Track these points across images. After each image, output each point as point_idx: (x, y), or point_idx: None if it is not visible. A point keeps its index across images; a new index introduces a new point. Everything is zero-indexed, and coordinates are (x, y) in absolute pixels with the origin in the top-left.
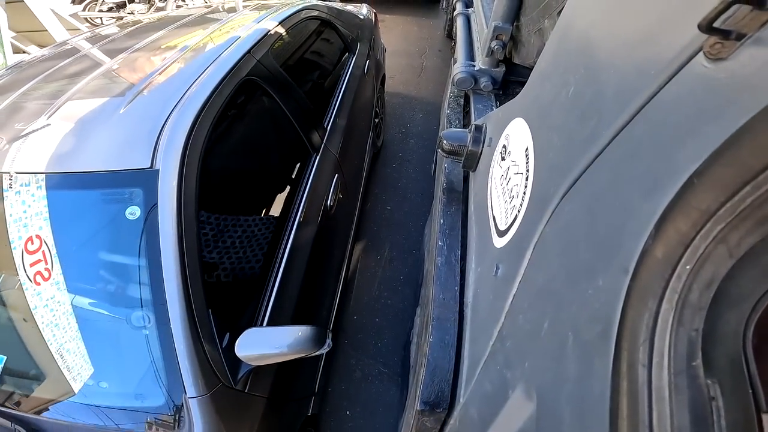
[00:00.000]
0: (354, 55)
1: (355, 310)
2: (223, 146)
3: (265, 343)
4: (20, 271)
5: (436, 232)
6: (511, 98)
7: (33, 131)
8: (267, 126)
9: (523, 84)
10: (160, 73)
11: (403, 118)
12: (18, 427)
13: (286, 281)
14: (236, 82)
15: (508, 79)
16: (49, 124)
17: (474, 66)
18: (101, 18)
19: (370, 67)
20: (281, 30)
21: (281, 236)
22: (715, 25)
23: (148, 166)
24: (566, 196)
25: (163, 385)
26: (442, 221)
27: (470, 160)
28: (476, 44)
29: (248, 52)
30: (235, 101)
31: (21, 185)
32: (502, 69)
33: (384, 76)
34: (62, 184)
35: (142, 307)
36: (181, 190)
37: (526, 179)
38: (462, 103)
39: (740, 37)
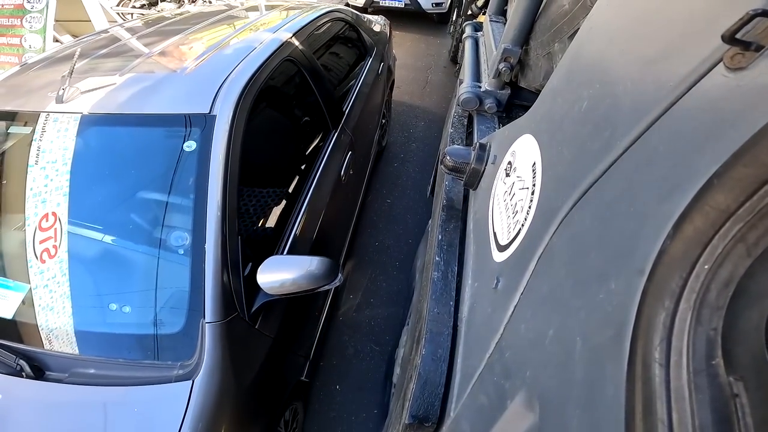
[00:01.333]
0: (371, 56)
1: (351, 290)
2: (265, 108)
3: (284, 269)
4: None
5: (433, 249)
6: (515, 120)
7: (113, 84)
8: (299, 99)
9: (526, 108)
10: (215, 50)
11: (406, 124)
12: (21, 362)
13: (304, 227)
14: (279, 60)
15: (512, 103)
16: (124, 80)
17: (480, 87)
18: (132, 14)
19: (383, 70)
20: (315, 25)
21: (303, 188)
22: (737, 36)
23: (207, 111)
24: (576, 207)
25: (184, 309)
26: (440, 237)
27: (472, 178)
28: (483, 66)
29: (290, 38)
30: (277, 74)
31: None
32: (507, 91)
33: (393, 81)
34: (140, 122)
35: (185, 230)
36: (231, 133)
37: (532, 193)
38: (465, 123)
39: (759, 48)
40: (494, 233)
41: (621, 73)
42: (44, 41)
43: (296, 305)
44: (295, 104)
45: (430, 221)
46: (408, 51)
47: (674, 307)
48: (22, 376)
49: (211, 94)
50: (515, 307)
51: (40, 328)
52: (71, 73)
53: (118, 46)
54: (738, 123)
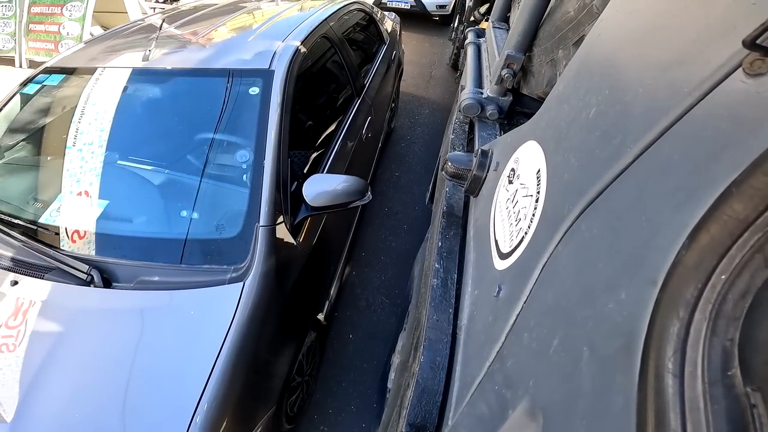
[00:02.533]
0: (385, 44)
1: (364, 248)
2: (307, 69)
3: (325, 183)
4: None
5: (433, 255)
6: (518, 127)
7: (191, 46)
8: (331, 68)
9: (528, 115)
10: (268, 24)
11: (412, 111)
12: (94, 271)
13: (335, 164)
14: (317, 36)
15: (514, 110)
16: (199, 44)
17: (482, 93)
18: (154, 8)
19: (395, 57)
20: (343, 12)
21: (335, 134)
22: (758, 42)
23: (267, 67)
24: (583, 215)
25: (242, 215)
26: (440, 244)
27: (474, 185)
28: (485, 72)
29: (325, 20)
30: (316, 46)
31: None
32: (509, 98)
33: (402, 71)
34: (216, 74)
35: (248, 147)
36: (284, 84)
37: (536, 201)
38: (466, 129)
39: None
40: (496, 241)
41: (632, 80)
42: (82, 29)
43: (326, 236)
44: (329, 71)
45: (429, 228)
46: (413, 49)
47: (689, 318)
48: (93, 286)
49: (270, 55)
50: (518, 315)
51: (112, 240)
52: (156, 38)
53: (184, 21)
54: (758, 130)
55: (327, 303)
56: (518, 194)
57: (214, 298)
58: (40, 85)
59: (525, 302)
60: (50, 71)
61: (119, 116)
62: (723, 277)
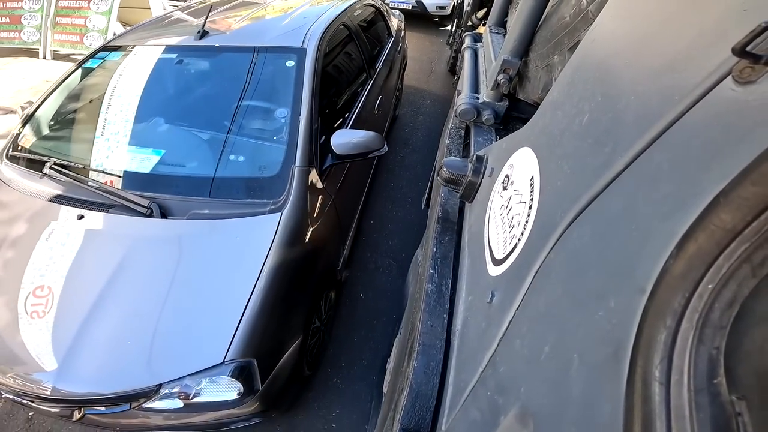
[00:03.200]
0: (392, 36)
1: (373, 217)
2: (332, 50)
3: (349, 136)
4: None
5: (428, 261)
6: (513, 132)
7: (236, 27)
8: (349, 51)
9: (524, 120)
10: (296, 12)
11: (415, 102)
12: (153, 205)
13: (355, 126)
14: (339, 23)
15: (510, 115)
16: (242, 25)
17: (478, 98)
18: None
19: (401, 49)
20: (357, 5)
21: (354, 102)
22: (748, 49)
23: (300, 45)
24: (574, 222)
25: (281, 158)
26: (435, 250)
27: (468, 191)
28: (482, 78)
29: (344, 11)
30: (337, 31)
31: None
32: (505, 103)
33: (405, 64)
34: (256, 52)
35: (287, 105)
36: (315, 58)
37: (530, 208)
38: (462, 135)
39: None
40: (490, 247)
41: (625, 86)
42: (108, 22)
43: (346, 188)
44: (348, 53)
45: (425, 233)
46: (415, 47)
47: (676, 326)
48: (153, 217)
49: (301, 36)
50: (510, 322)
51: (169, 179)
52: (205, 21)
53: (224, 9)
54: (746, 139)
55: (342, 258)
56: (512, 201)
57: (257, 225)
58: (101, 60)
59: (517, 309)
60: (108, 49)
61: (176, 83)
62: (710, 286)
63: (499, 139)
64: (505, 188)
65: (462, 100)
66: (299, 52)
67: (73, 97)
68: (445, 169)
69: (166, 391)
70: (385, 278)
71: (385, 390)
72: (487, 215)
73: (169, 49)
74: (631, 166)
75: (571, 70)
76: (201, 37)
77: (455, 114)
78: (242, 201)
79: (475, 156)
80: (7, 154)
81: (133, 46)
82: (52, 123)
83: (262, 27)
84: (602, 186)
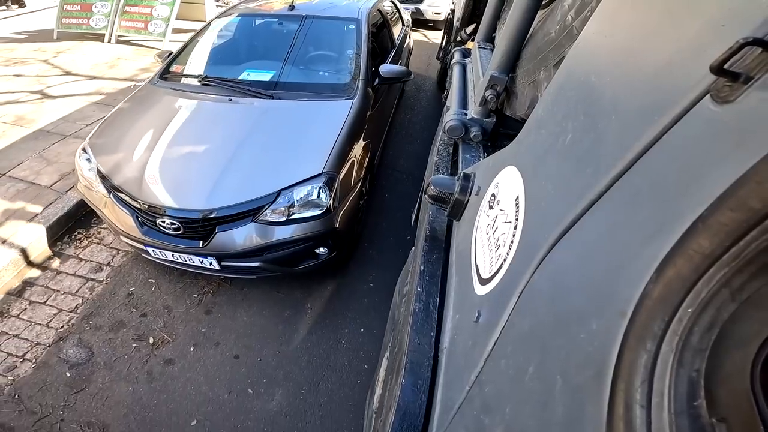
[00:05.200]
0: (405, 27)
1: (391, 149)
2: (374, 24)
3: (390, 67)
4: None
5: (415, 279)
6: (499, 150)
7: (313, 4)
8: (383, 26)
9: (512, 137)
10: (344, 2)
11: (417, 84)
12: (232, 98)
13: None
14: (375, 9)
15: (498, 131)
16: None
17: (466, 115)
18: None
19: (409, 35)
20: (384, 1)
21: (386, 58)
22: (726, 67)
23: (356, 17)
24: (558, 244)
25: (350, 74)
26: (422, 268)
27: (456, 209)
28: (470, 93)
29: (376, 2)
30: (376, 14)
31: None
32: (492, 120)
33: (411, 51)
34: (330, 19)
35: (352, 47)
36: (367, 24)
37: (515, 228)
38: (451, 151)
39: (748, 79)
40: (476, 266)
41: (606, 105)
42: (171, 12)
43: (381, 109)
44: (381, 26)
45: (412, 250)
46: (415, 44)
47: (656, 350)
48: (266, 98)
49: (357, 12)
50: (496, 341)
51: (282, 84)
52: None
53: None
54: (724, 163)
55: (377, 153)
56: (498, 220)
57: (340, 104)
58: (227, 19)
59: (503, 329)
60: (229, 14)
61: (278, 36)
62: (689, 310)
63: (487, 155)
64: (491, 207)
65: (450, 116)
66: (356, 21)
67: (207, 44)
68: (432, 187)
69: (279, 199)
70: (401, 186)
71: (375, 407)
72: (474, 234)
73: (272, 15)
74: (612, 188)
75: (555, 88)
76: (291, 9)
77: (443, 130)
78: (331, 94)
79: (462, 174)
80: (161, 76)
81: (245, 14)
82: (193, 59)
83: (330, 5)
84: (584, 208)
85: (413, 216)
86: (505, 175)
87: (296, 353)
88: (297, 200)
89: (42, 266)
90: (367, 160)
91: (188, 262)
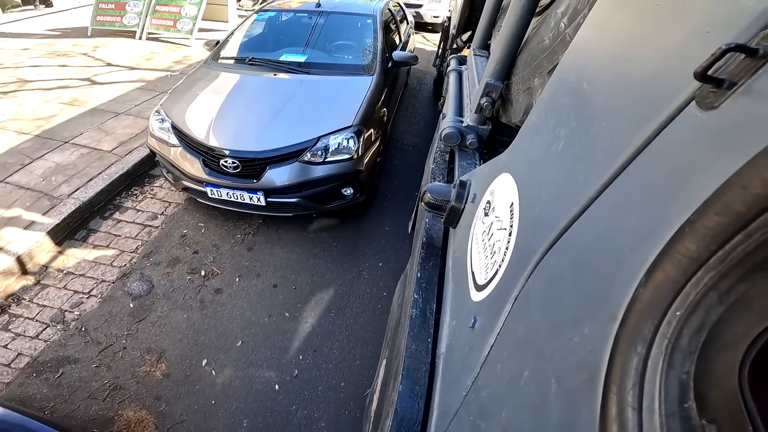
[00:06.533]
0: (409, 26)
1: (400, 124)
2: (386, 20)
3: (400, 53)
4: None
5: (412, 286)
6: (495, 157)
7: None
8: (392, 21)
9: (507, 144)
10: (361, 1)
11: (419, 77)
12: (276, 72)
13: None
14: (386, 8)
15: (494, 138)
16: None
17: (462, 122)
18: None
19: (412, 33)
20: (391, 2)
21: (398, 43)
22: (709, 73)
23: (372, 13)
24: (551, 250)
25: (371, 57)
26: (419, 275)
27: (452, 216)
28: (466, 101)
29: (387, 3)
30: (387, 12)
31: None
32: (488, 127)
33: (414, 48)
34: (350, 15)
35: (370, 37)
36: (380, 20)
37: (510, 234)
38: (447, 159)
39: (732, 85)
40: (472, 272)
41: (597, 112)
42: (198, 11)
43: (392, 89)
44: (391, 21)
45: (410, 258)
46: (415, 45)
47: (647, 352)
48: (302, 74)
49: (372, 9)
50: (491, 347)
51: (312, 65)
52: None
53: None
54: (710, 168)
55: (390, 121)
56: (493, 227)
57: (362, 79)
58: (265, 13)
59: (498, 334)
60: (265, 11)
61: (308, 27)
62: (678, 313)
63: (483, 162)
64: (486, 214)
65: (446, 123)
66: (372, 17)
67: (249, 34)
68: (428, 195)
69: (318, 144)
70: (407, 155)
71: (372, 412)
72: (470, 241)
73: (302, 11)
74: (603, 194)
75: (548, 95)
76: (317, 7)
77: (440, 138)
78: (354, 72)
79: (458, 181)
80: (213, 59)
81: (278, 10)
82: (238, 45)
83: (350, 3)
84: (576, 214)
85: (410, 224)
86: (500, 183)
87: (325, 283)
88: (331, 145)
89: (104, 216)
90: (383, 124)
91: (239, 200)
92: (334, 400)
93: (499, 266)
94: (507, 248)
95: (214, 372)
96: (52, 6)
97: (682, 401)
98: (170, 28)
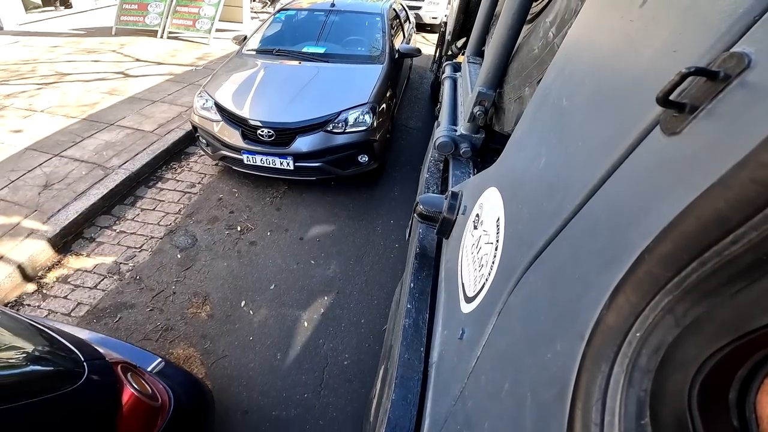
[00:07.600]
0: (410, 24)
1: (403, 110)
2: (392, 18)
3: (405, 46)
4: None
5: (405, 296)
6: (489, 166)
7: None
8: (396, 18)
9: (500, 152)
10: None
11: (420, 73)
12: (300, 60)
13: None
14: (392, 8)
15: (487, 147)
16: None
17: (456, 131)
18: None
19: (413, 32)
20: (396, 2)
21: (403, 37)
22: (672, 97)
23: (380, 12)
24: (531, 268)
25: (380, 50)
26: (412, 285)
27: (444, 227)
28: (460, 109)
29: (392, 3)
30: (392, 10)
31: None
32: (481, 136)
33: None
34: (361, 13)
35: (379, 32)
36: (387, 17)
37: (496, 249)
38: (441, 168)
39: (693, 109)
40: (463, 284)
41: (574, 131)
42: (216, 11)
43: (398, 78)
44: (396, 19)
45: (405, 268)
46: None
47: (609, 371)
48: (323, 63)
49: (380, 8)
50: (477, 358)
51: (329, 55)
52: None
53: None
54: (668, 196)
55: (396, 104)
56: (481, 240)
57: (373, 67)
58: (284, 12)
59: (483, 346)
60: (286, 9)
61: (324, 24)
62: (638, 334)
63: (477, 171)
64: (476, 227)
65: (440, 132)
66: (380, 15)
67: (273, 29)
68: (421, 206)
69: (340, 117)
70: (410, 136)
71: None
72: (460, 252)
73: (318, 9)
74: (577, 215)
75: (531, 109)
76: (332, 6)
77: (434, 146)
78: (367, 61)
79: (450, 192)
80: (244, 51)
81: (298, 9)
82: (265, 39)
83: (360, 3)
84: (554, 233)
85: (408, 231)
86: (487, 196)
87: (344, 236)
88: (351, 119)
89: (149, 185)
90: (391, 106)
91: (271, 165)
92: (356, 334)
93: (486, 280)
94: (494, 262)
95: (251, 312)
96: (71, 7)
97: (639, 418)
98: (190, 28)
